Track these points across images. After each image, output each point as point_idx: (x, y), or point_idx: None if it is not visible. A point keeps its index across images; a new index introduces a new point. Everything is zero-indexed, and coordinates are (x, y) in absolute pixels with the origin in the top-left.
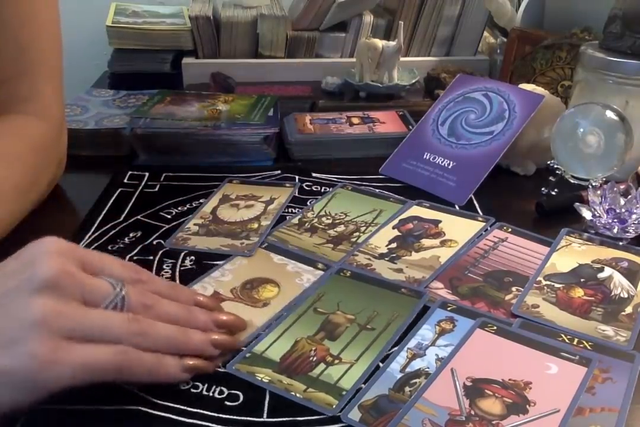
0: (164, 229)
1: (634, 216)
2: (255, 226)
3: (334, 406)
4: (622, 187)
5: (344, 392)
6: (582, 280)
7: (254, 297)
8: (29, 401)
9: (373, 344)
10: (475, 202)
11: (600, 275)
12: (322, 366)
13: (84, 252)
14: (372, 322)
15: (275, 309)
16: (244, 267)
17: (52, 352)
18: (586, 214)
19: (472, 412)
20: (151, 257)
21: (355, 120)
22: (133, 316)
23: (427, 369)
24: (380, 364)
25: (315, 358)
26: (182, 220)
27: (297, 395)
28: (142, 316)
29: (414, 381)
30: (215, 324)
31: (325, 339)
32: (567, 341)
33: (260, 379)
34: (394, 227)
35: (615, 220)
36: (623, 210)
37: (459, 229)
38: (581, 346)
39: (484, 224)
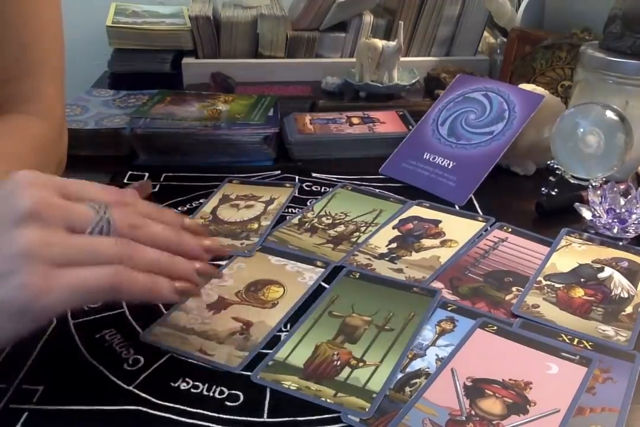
0: None
1: (634, 216)
2: (255, 226)
3: (367, 409)
4: (622, 187)
5: (374, 395)
6: (582, 280)
7: (261, 298)
8: (31, 329)
9: (394, 345)
10: (475, 202)
11: (601, 275)
12: (347, 369)
13: (61, 180)
14: (390, 322)
15: (284, 309)
16: (243, 271)
17: (43, 281)
18: (586, 214)
19: (473, 412)
20: None
21: (355, 120)
22: (120, 240)
23: (427, 369)
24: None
25: (339, 362)
26: None
27: (328, 400)
28: (130, 237)
29: (414, 381)
30: (203, 249)
31: (345, 343)
32: (567, 341)
33: (287, 386)
34: (394, 227)
35: (615, 220)
36: (623, 210)
37: (459, 229)
38: (581, 345)
39: (484, 224)
